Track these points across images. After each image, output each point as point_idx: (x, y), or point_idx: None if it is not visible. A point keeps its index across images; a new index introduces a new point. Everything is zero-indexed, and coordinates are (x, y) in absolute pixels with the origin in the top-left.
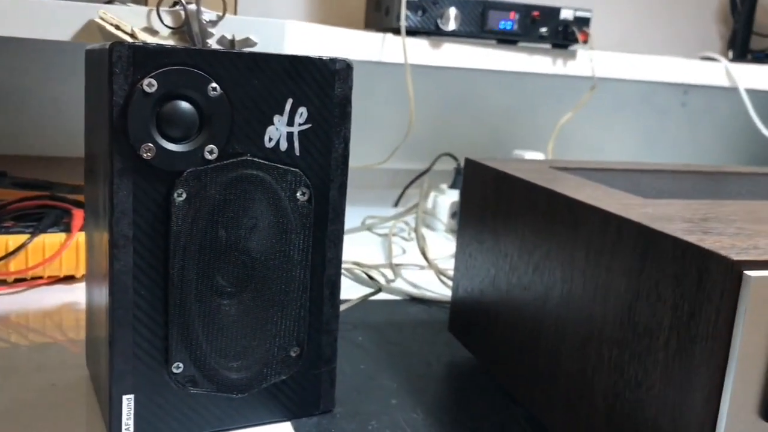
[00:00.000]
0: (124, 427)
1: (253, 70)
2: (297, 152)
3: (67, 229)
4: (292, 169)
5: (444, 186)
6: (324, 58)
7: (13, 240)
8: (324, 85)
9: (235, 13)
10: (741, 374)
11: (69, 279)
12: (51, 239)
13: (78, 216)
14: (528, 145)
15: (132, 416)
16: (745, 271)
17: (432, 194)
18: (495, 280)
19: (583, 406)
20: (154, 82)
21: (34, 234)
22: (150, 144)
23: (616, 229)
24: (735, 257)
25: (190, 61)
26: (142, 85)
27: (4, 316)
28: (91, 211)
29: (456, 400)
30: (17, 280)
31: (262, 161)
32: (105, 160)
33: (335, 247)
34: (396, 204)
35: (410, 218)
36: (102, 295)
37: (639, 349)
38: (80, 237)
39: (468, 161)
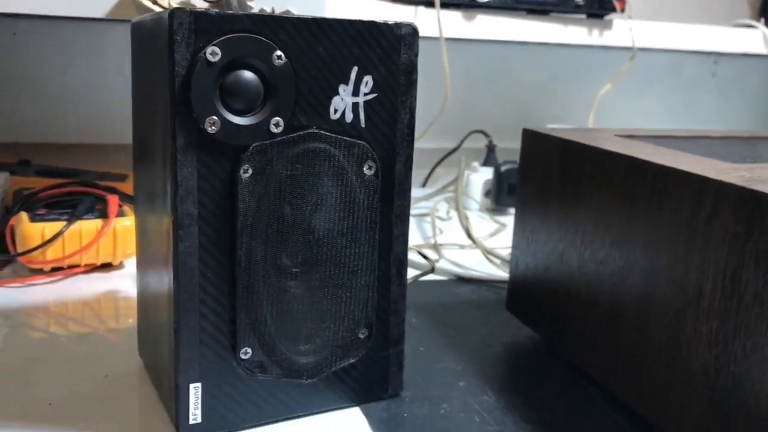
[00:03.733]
0: (191, 417)
1: (318, 37)
2: (362, 124)
3: (103, 215)
4: (358, 141)
5: (476, 164)
6: (389, 22)
7: (49, 228)
8: (390, 51)
9: None
10: None
11: (106, 267)
12: (87, 226)
13: (113, 202)
14: (559, 119)
15: (200, 406)
16: None
17: (464, 173)
18: (564, 256)
19: (677, 382)
20: (217, 50)
21: (70, 221)
22: (215, 117)
23: (714, 195)
24: None
25: (254, 27)
26: (205, 53)
27: (43, 306)
28: (144, 194)
29: (525, 381)
30: (54, 269)
31: (328, 134)
32: (165, 136)
33: (402, 223)
34: (424, 184)
35: (439, 198)
36: (161, 280)
37: (746, 320)
38: (117, 223)
39: (526, 132)
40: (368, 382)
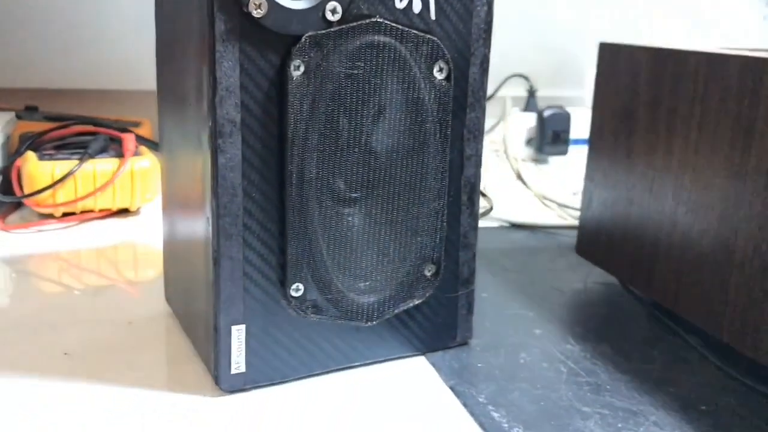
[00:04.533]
0: (233, 365)
1: None
2: (432, 16)
3: (118, 155)
4: (428, 36)
5: (516, 109)
6: None
7: (60, 166)
8: None
9: None
10: None
11: (123, 213)
12: (102, 166)
13: (129, 139)
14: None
15: (243, 352)
16: None
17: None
18: (654, 184)
19: None
20: None
21: (82, 159)
22: None
23: None
24: None
25: None
26: None
27: (54, 254)
28: (171, 123)
29: (609, 329)
30: (65, 214)
31: (394, 25)
32: (200, 26)
33: (475, 140)
34: None
35: None
36: (193, 221)
37: None
38: (134, 163)
39: (605, 47)
40: (434, 328)
